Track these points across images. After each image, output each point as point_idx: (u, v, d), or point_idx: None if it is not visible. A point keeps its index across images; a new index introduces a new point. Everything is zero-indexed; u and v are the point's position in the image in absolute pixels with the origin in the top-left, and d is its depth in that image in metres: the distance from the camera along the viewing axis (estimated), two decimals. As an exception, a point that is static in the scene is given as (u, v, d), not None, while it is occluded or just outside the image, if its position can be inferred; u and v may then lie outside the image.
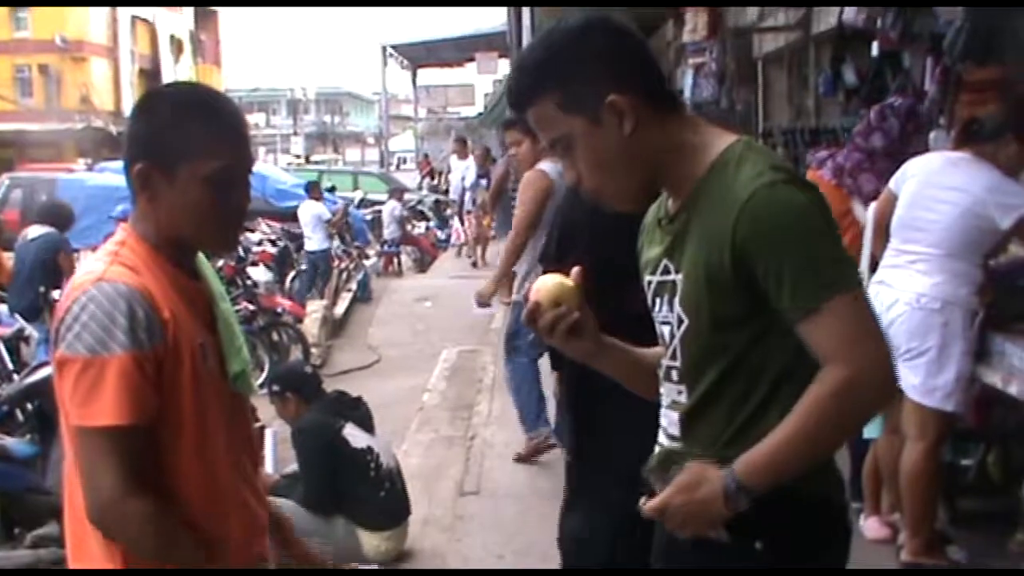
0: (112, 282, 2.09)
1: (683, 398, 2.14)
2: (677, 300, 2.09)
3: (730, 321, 2.01)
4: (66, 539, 2.25)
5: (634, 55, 2.11)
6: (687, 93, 12.35)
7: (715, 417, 2.07)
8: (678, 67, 14.15)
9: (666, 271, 2.12)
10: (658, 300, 2.16)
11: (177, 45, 49.70)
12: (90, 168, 24.67)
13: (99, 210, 15.42)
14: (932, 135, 6.63)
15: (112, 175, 18.10)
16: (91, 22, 42.98)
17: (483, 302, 7.22)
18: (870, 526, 5.21)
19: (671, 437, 2.18)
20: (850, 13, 7.99)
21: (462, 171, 17.79)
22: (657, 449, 2.22)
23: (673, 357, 2.14)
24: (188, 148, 2.16)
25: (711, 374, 2.07)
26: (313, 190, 16.33)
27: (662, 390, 2.21)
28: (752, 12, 11.95)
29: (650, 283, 2.19)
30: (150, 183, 2.18)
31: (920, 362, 4.59)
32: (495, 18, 27.28)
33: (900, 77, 7.71)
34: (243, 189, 2.25)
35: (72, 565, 2.24)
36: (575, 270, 2.22)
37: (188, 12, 51.68)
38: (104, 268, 2.13)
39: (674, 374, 2.15)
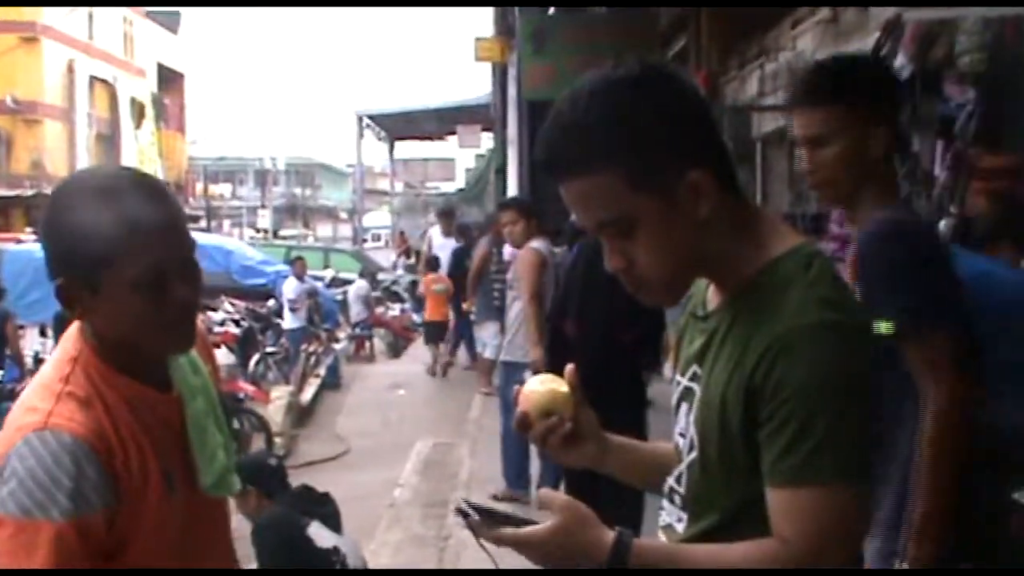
0: (57, 431, 1.94)
1: (681, 527, 2.00)
2: (692, 418, 1.95)
3: (739, 464, 1.84)
4: None
5: (707, 120, 1.90)
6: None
7: None
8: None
9: (694, 378, 1.97)
10: (682, 406, 2.01)
11: (139, 109, 49.94)
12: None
13: (48, 284, 15.36)
14: (942, 224, 6.72)
15: (64, 247, 18.04)
16: (46, 82, 43.19)
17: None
18: None
19: None
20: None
21: (448, 249, 16.81)
22: None
23: (678, 480, 2.02)
24: (104, 254, 1.98)
25: (712, 516, 1.92)
26: (297, 266, 16.50)
27: (663, 508, 2.09)
28: (751, 89, 12.15)
29: (678, 383, 2.03)
30: (76, 299, 2.03)
31: None
32: (478, 89, 27.59)
33: (909, 161, 7.81)
34: (187, 282, 2.07)
35: None
36: (568, 369, 2.09)
37: (151, 74, 52.07)
38: (50, 409, 1.98)
39: (677, 499, 2.03)
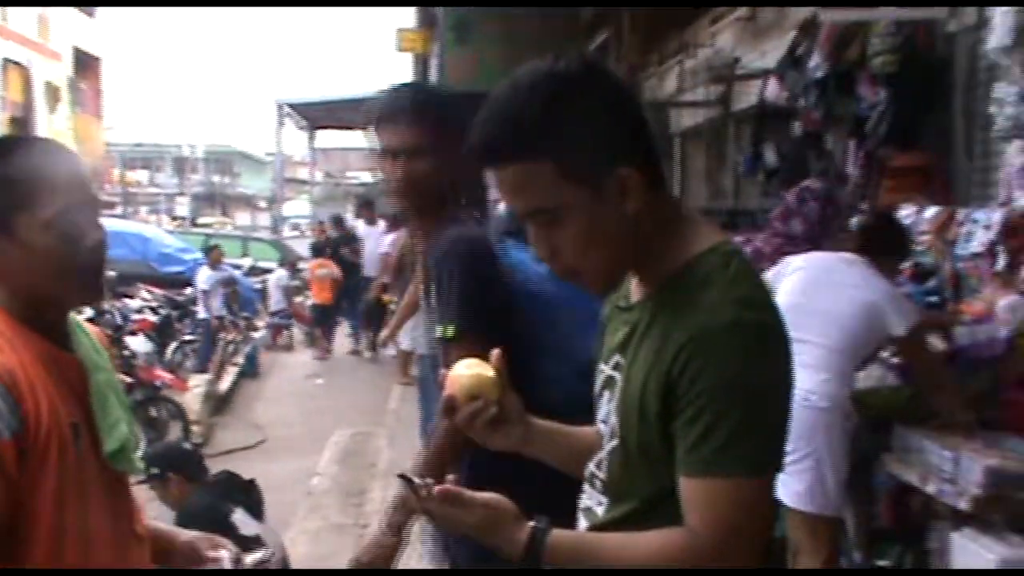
0: None
1: (601, 511, 2.06)
2: (614, 407, 2.00)
3: (657, 453, 1.88)
4: None
5: (639, 120, 1.94)
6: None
7: None
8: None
9: (616, 367, 2.01)
10: (604, 394, 2.06)
11: (53, 93, 49.07)
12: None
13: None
14: (853, 221, 6.86)
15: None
16: (-41, 65, 42.31)
17: None
18: None
19: None
20: (772, 91, 8.26)
21: (375, 238, 16.67)
22: None
23: (599, 466, 2.07)
24: (20, 198, 2.09)
25: (631, 501, 1.98)
26: (212, 255, 16.41)
27: (584, 492, 2.14)
28: (670, 85, 12.27)
29: (601, 371, 2.08)
30: None
31: (806, 466, 4.68)
32: (399, 80, 27.43)
33: (823, 160, 7.96)
34: (96, 227, 2.18)
35: None
36: (495, 353, 2.13)
37: (67, 58, 51.16)
38: None
39: (597, 483, 2.08)
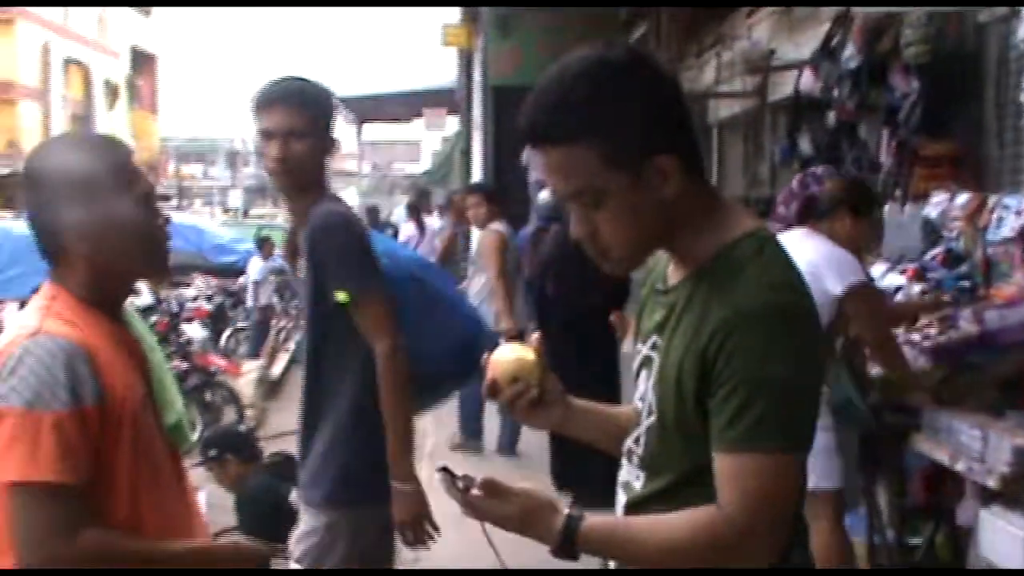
0: (51, 336, 2.12)
1: (638, 484, 2.10)
2: (651, 385, 2.04)
3: (693, 430, 1.93)
4: None
5: (681, 107, 1.99)
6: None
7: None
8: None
9: (654, 347, 2.05)
10: (642, 373, 2.10)
11: (112, 90, 49.51)
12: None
13: (26, 260, 15.20)
14: (886, 208, 6.85)
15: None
16: (21, 63, 42.73)
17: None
18: None
19: None
20: (807, 82, 8.24)
21: (436, 227, 16.18)
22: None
23: (636, 442, 2.10)
24: (119, 180, 2.27)
25: (668, 475, 2.01)
26: (265, 247, 16.54)
27: (622, 467, 2.17)
28: (708, 77, 12.23)
29: (639, 352, 2.12)
30: (80, 227, 2.24)
31: None
32: (445, 74, 27.54)
33: (856, 149, 7.93)
34: (162, 216, 2.38)
35: None
36: (534, 337, 2.23)
37: (125, 56, 51.60)
38: (40, 322, 2.17)
39: (635, 459, 2.11)
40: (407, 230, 17.41)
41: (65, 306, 2.23)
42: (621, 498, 2.15)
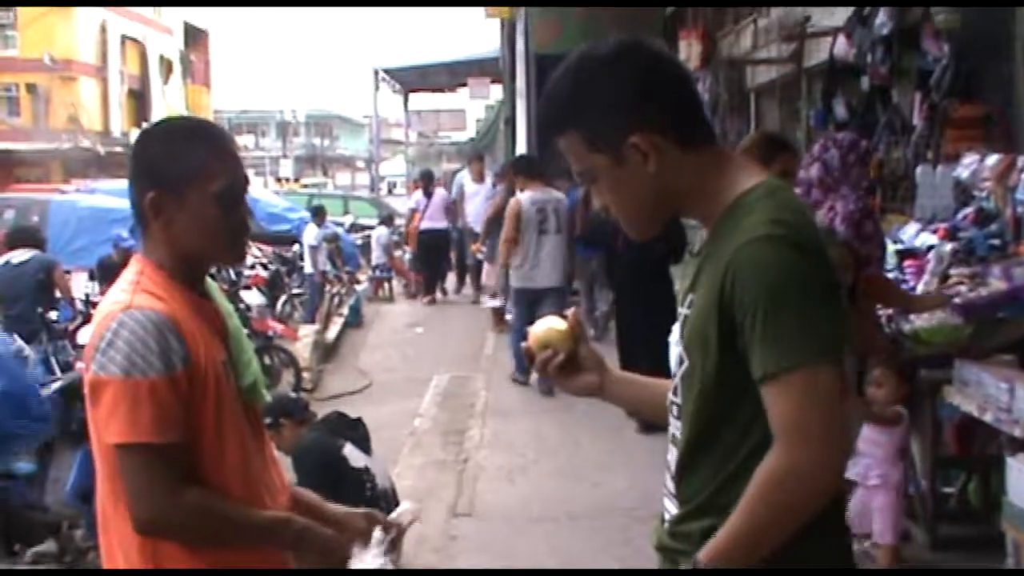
0: (141, 309, 2.25)
1: (680, 436, 2.14)
2: (684, 334, 2.10)
3: (720, 370, 1.99)
4: (102, 559, 2.42)
5: (664, 88, 2.07)
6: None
7: (704, 466, 2.06)
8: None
9: (689, 305, 2.11)
10: (681, 331, 2.14)
11: (167, 66, 49.89)
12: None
13: (92, 232, 15.60)
14: (919, 170, 6.88)
15: (104, 197, 18.15)
16: (80, 41, 43.12)
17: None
18: None
19: (669, 493, 2.18)
20: (841, 48, 8.25)
21: (484, 195, 15.91)
22: (662, 517, 2.23)
23: (675, 393, 2.16)
24: (193, 171, 2.36)
25: (703, 419, 2.05)
26: (318, 215, 16.78)
27: (670, 423, 2.22)
28: (745, 43, 12.23)
29: (680, 315, 2.17)
30: (164, 209, 2.36)
31: None
32: (488, 44, 27.50)
33: (889, 112, 7.94)
34: (245, 205, 2.47)
35: None
36: (571, 311, 2.41)
37: (178, 32, 51.93)
38: (130, 296, 2.29)
39: (675, 410, 2.17)
40: (416, 196, 17.80)
41: (152, 280, 2.36)
42: (672, 452, 2.20)
